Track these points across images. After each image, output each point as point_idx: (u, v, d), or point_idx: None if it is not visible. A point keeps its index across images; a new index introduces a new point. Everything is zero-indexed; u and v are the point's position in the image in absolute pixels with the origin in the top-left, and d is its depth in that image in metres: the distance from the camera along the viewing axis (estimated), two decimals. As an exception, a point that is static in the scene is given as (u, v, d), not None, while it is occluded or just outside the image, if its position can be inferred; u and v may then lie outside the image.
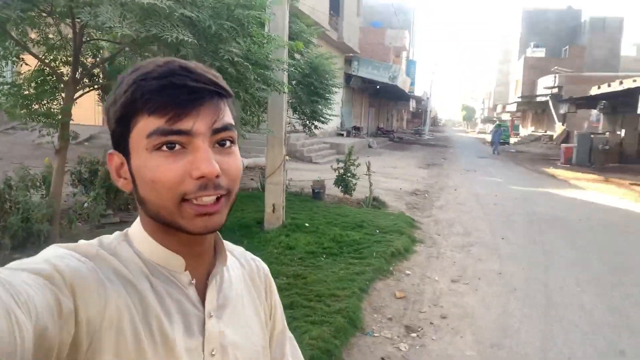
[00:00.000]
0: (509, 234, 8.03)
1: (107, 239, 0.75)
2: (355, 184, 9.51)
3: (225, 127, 0.71)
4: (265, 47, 4.53)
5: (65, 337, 0.59)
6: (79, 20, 4.78)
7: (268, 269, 0.97)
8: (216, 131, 0.70)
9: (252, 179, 11.72)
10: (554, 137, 34.05)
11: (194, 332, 0.74)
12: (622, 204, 11.83)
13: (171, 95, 0.67)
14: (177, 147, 0.68)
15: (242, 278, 0.88)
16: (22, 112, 5.61)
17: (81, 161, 6.90)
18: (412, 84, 40.45)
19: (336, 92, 10.46)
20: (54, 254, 0.66)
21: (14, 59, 5.40)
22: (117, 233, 0.77)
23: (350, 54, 26.08)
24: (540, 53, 46.25)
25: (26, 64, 5.51)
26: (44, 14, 5.04)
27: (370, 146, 25.07)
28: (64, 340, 0.58)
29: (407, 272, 5.77)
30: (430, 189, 12.76)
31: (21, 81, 5.49)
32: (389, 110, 47.41)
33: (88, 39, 5.46)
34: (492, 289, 5.42)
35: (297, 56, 7.96)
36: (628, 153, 22.03)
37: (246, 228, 6.82)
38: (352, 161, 9.35)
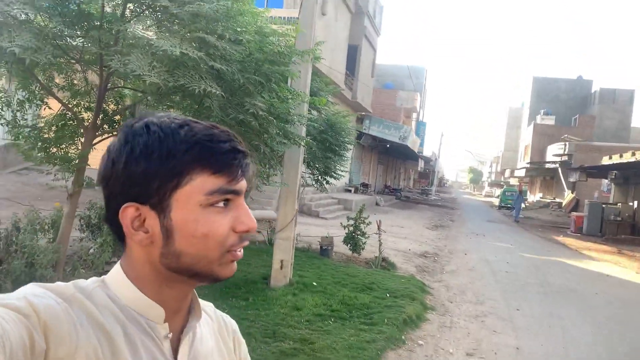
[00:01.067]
0: (524, 305, 7.75)
1: (83, 282, 0.74)
2: (365, 242, 9.34)
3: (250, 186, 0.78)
4: (289, 102, 4.53)
5: None
6: (105, 68, 4.84)
7: (236, 325, 0.97)
8: (248, 190, 0.77)
9: (258, 232, 11.58)
10: (563, 204, 33.86)
11: None
12: (639, 278, 11.50)
13: (236, 159, 0.72)
14: (225, 204, 0.73)
15: (213, 334, 0.88)
16: (39, 154, 5.60)
17: (92, 206, 6.82)
18: (421, 144, 40.85)
19: (350, 149, 10.49)
20: (32, 292, 0.66)
21: (38, 102, 5.44)
22: (93, 278, 0.76)
23: (363, 113, 26.49)
24: (550, 120, 46.86)
25: (49, 108, 5.55)
26: (73, 61, 5.12)
27: (377, 204, 24.97)
28: None
29: (420, 342, 5.51)
30: (439, 251, 12.53)
31: (42, 124, 5.50)
32: (397, 169, 47.64)
33: (112, 86, 5.50)
34: (509, 366, 5.15)
35: (315, 113, 8.01)
36: (640, 225, 21.74)
37: (252, 284, 6.61)
38: (362, 219, 9.22)
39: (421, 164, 49.86)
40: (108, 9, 4.63)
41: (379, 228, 9.37)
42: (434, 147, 60.48)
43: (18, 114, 5.62)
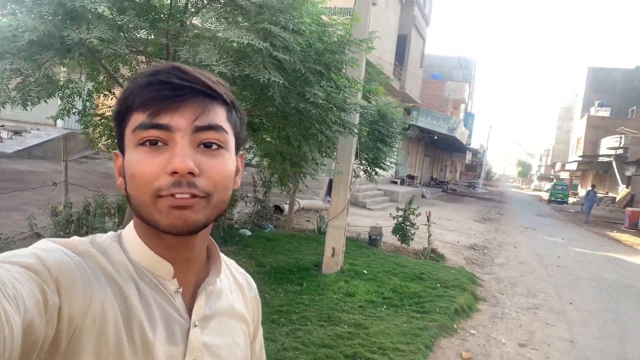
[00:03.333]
0: (577, 298, 7.60)
1: (99, 237, 0.74)
2: (414, 233, 9.35)
3: (210, 127, 0.70)
4: (345, 91, 4.62)
5: (49, 332, 0.58)
6: (169, 59, 5.05)
7: (256, 288, 0.96)
8: (199, 129, 0.69)
9: (308, 221, 11.77)
10: (617, 199, 32.55)
11: (176, 340, 0.72)
12: (699, 276, 11.00)
13: (154, 89, 0.67)
14: (160, 144, 0.68)
15: (234, 290, 0.87)
16: (107, 142, 5.92)
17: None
18: (469, 136, 40.07)
19: (400, 140, 10.48)
20: (44, 247, 0.65)
21: (106, 92, 5.74)
22: (110, 233, 0.76)
23: (411, 104, 26.24)
24: (605, 112, 44.96)
25: (116, 98, 5.84)
26: (137, 52, 5.36)
27: (424, 196, 24.76)
28: (47, 334, 0.58)
29: (472, 331, 5.52)
30: (488, 244, 12.36)
31: (110, 113, 5.81)
32: (443, 161, 46.96)
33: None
34: (564, 358, 5.10)
35: (365, 102, 8.06)
36: (700, 222, 20.69)
37: (304, 270, 6.77)
38: (412, 210, 9.22)
39: (469, 156, 48.96)
40: (169, 1, 4.85)
41: (428, 219, 9.36)
42: (482, 139, 59.32)
43: (87, 103, 5.96)
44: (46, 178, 9.93)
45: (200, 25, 4.46)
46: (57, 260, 0.63)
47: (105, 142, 6.01)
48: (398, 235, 9.37)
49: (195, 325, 0.75)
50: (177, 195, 0.67)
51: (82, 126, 6.10)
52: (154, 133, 0.67)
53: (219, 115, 0.72)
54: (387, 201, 18.79)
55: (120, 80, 5.79)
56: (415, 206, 9.47)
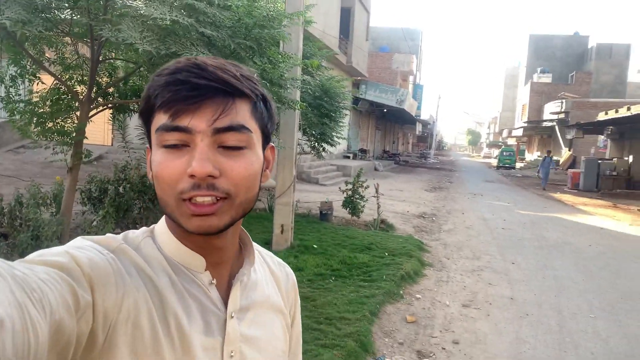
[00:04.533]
0: (519, 258, 7.95)
1: (132, 233, 0.75)
2: (364, 206, 9.49)
3: (231, 128, 0.68)
4: (280, 67, 4.57)
5: (84, 329, 0.58)
6: (96, 40, 4.86)
7: (295, 278, 0.96)
8: (219, 130, 0.67)
9: (259, 200, 11.73)
10: (561, 162, 34.02)
11: (213, 332, 0.73)
12: (632, 230, 11.72)
13: (172, 91, 0.66)
14: (183, 147, 0.67)
15: (269, 281, 0.87)
16: (35, 130, 5.66)
17: (92, 180, 6.91)
18: (419, 107, 40.70)
19: (346, 114, 10.52)
20: (75, 245, 0.66)
21: (31, 77, 5.47)
22: (143, 228, 0.77)
23: (359, 78, 26.31)
24: (547, 79, 46.58)
25: (42, 83, 5.57)
26: (62, 34, 5.12)
27: (376, 169, 25.09)
28: (82, 332, 0.58)
29: (418, 295, 5.70)
30: (437, 212, 12.71)
31: (36, 99, 5.54)
32: (395, 134, 47.60)
33: (104, 58, 5.52)
34: (504, 315, 5.34)
35: (308, 78, 8.03)
36: (636, 179, 21.93)
37: (254, 249, 6.77)
38: (360, 183, 9.34)
39: (419, 127, 49.79)
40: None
41: (377, 191, 9.50)
42: (432, 110, 60.31)
43: (11, 89, 5.66)
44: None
45: (123, 3, 4.29)
46: (89, 257, 0.63)
47: (35, 130, 5.75)
48: (348, 209, 9.48)
49: (232, 317, 0.75)
50: (198, 199, 0.66)
51: (8, 114, 5.80)
52: (174, 135, 0.67)
53: (240, 113, 0.69)
54: (339, 176, 18.94)
55: (46, 64, 5.54)
56: (365, 179, 9.59)
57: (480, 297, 5.85)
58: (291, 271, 0.96)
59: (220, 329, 0.74)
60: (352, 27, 23.51)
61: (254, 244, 0.85)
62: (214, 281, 0.76)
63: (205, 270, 0.75)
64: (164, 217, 0.76)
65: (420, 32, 49.84)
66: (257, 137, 0.72)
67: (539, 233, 10.37)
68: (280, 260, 0.95)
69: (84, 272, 0.60)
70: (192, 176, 0.65)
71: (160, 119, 0.67)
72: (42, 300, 0.52)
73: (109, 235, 0.72)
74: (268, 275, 0.87)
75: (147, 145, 0.75)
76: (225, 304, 0.76)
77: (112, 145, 15.56)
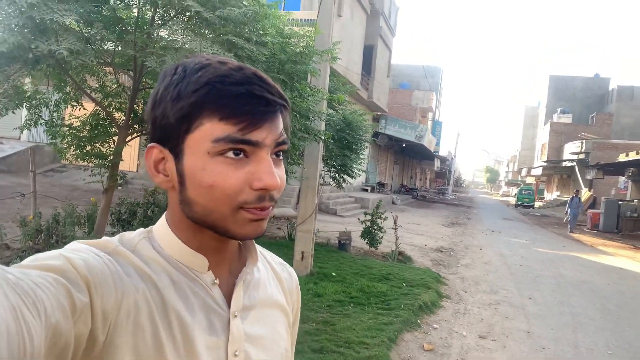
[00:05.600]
0: (536, 294, 7.96)
1: (128, 235, 0.74)
2: (382, 237, 9.62)
3: (285, 141, 0.71)
4: (309, 100, 4.84)
5: (83, 331, 0.58)
6: (130, 71, 5.21)
7: (297, 278, 0.96)
8: (278, 144, 0.70)
9: (279, 228, 11.92)
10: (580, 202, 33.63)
11: (217, 331, 0.72)
12: (653, 272, 11.59)
13: (249, 104, 0.66)
14: (241, 155, 0.67)
15: (272, 280, 0.86)
16: (74, 152, 5.99)
17: (122, 202, 7.21)
18: (438, 143, 40.93)
19: (367, 147, 10.77)
20: (71, 248, 0.65)
21: (74, 103, 5.83)
22: (140, 230, 0.76)
23: (379, 113, 26.73)
24: (567, 119, 46.58)
25: (84, 108, 5.93)
26: (104, 63, 5.49)
27: (394, 202, 25.18)
28: (81, 334, 0.58)
29: (435, 325, 5.78)
30: (455, 247, 12.74)
31: (78, 124, 5.89)
32: (413, 168, 47.74)
33: (142, 87, 5.87)
34: (520, 347, 5.39)
35: (332, 112, 8.33)
36: (658, 222, 21.63)
37: (275, 274, 6.93)
38: (379, 214, 9.50)
39: (437, 163, 49.91)
40: (136, 14, 5.01)
41: (395, 223, 9.64)
42: (450, 146, 60.44)
43: (55, 114, 6.03)
44: (10, 192, 9.86)
45: (167, 37, 4.63)
46: (85, 259, 0.62)
47: (74, 153, 6.08)
48: (366, 239, 9.61)
49: (235, 316, 0.75)
50: (262, 210, 0.68)
51: (50, 137, 6.16)
52: (242, 147, 0.67)
53: (286, 121, 0.73)
54: (357, 208, 19.08)
55: (88, 91, 5.91)
56: (384, 211, 9.75)
57: (497, 330, 5.90)
58: (293, 271, 0.96)
59: (224, 328, 0.73)
60: (374, 64, 24.06)
61: (256, 244, 0.85)
62: (217, 281, 0.75)
63: (208, 270, 0.74)
64: (162, 218, 0.76)
65: (441, 70, 50.53)
66: None
67: (556, 271, 10.34)
68: (281, 260, 0.94)
69: (80, 273, 0.59)
70: (261, 189, 0.67)
71: (221, 129, 0.66)
72: (36, 304, 0.51)
73: (105, 238, 0.71)
74: (271, 275, 0.87)
75: (152, 144, 0.72)
76: (228, 303, 0.75)
77: (137, 171, 16.00)
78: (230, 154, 0.66)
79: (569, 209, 20.86)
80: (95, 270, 0.61)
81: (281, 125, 0.70)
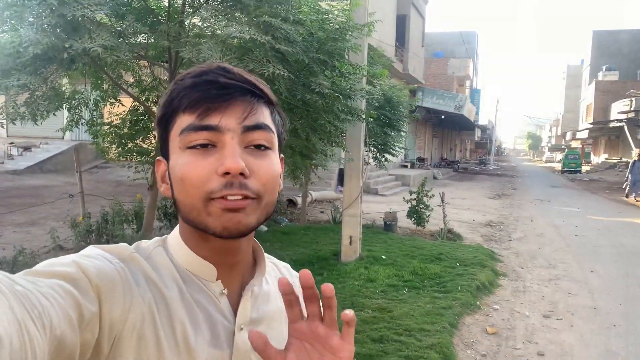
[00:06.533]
0: (598, 266, 7.57)
1: (145, 243, 0.74)
2: (429, 215, 9.35)
3: (259, 126, 0.68)
4: (350, 78, 4.61)
5: (89, 340, 0.58)
6: (169, 62, 5.08)
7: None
8: (248, 129, 0.67)
9: (322, 212, 11.80)
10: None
11: (221, 344, 0.71)
12: None
13: (201, 90, 0.66)
14: (210, 146, 0.66)
15: None
16: (116, 150, 5.97)
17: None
18: (477, 112, 39.80)
19: (408, 123, 10.44)
20: (85, 253, 0.65)
21: (112, 100, 5.78)
22: (156, 238, 0.76)
23: (415, 85, 26.09)
24: (613, 76, 44.32)
25: (122, 105, 5.88)
26: (138, 57, 5.39)
27: (435, 177, 24.69)
28: (87, 343, 0.58)
29: (495, 306, 5.53)
30: (504, 220, 12.32)
31: (117, 122, 5.84)
32: (452, 141, 46.71)
33: (178, 79, 5.76)
34: (588, 326, 5.09)
35: (370, 87, 8.04)
36: None
37: (323, 260, 6.81)
38: (425, 192, 9.21)
39: (478, 133, 48.65)
40: (166, 3, 4.86)
41: (442, 200, 9.35)
42: (490, 114, 58.87)
43: (95, 113, 6.01)
44: (60, 191, 10.06)
45: (200, 24, 4.47)
46: (97, 266, 0.62)
47: (116, 151, 6.06)
48: (413, 219, 9.37)
49: (242, 329, 0.73)
50: (230, 197, 0.65)
51: (92, 136, 6.16)
52: (202, 135, 0.66)
53: (265, 115, 0.71)
54: (399, 186, 18.77)
55: (125, 87, 5.84)
56: (428, 188, 9.46)
57: (561, 307, 5.60)
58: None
59: (229, 340, 0.72)
60: (408, 34, 23.38)
61: (269, 256, 0.84)
62: (225, 291, 0.74)
63: (217, 279, 0.73)
64: (176, 227, 0.76)
65: (476, 35, 48.90)
66: (276, 141, 0.73)
67: (616, 239, 9.84)
68: (292, 270, 0.91)
69: (92, 281, 0.60)
70: (225, 174, 0.65)
71: (185, 120, 0.67)
72: (42, 316, 0.51)
73: (121, 244, 0.71)
74: None
75: (159, 157, 0.74)
76: (236, 315, 0.74)
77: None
78: (198, 146, 0.66)
79: (629, 175, 18.41)
80: (107, 279, 0.62)
81: (250, 110, 0.68)
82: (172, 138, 0.69)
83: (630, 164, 19.28)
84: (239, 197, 0.66)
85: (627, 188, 18.45)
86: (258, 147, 0.69)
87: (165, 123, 0.70)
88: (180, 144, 0.67)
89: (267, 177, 0.69)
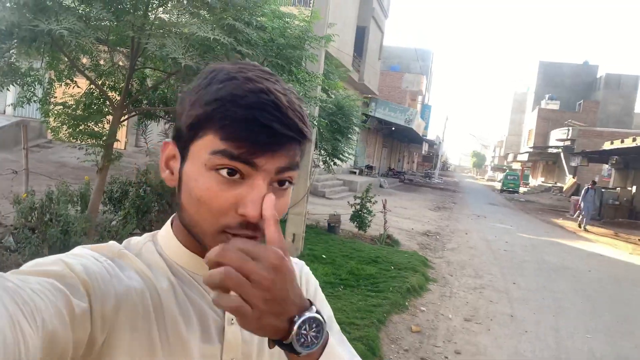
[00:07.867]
0: (520, 279, 8.18)
1: (135, 239, 0.75)
2: (371, 220, 9.76)
3: (290, 167, 0.66)
4: (305, 85, 4.89)
5: (82, 336, 0.58)
6: (131, 51, 5.19)
7: (309, 270, 0.94)
8: (280, 170, 0.65)
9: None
10: (564, 189, 34.21)
11: (212, 339, 0.71)
12: (631, 258, 11.94)
13: (252, 132, 0.61)
14: (237, 176, 0.63)
15: None
16: (67, 131, 5.98)
17: (114, 181, 7.22)
18: (426, 127, 41.10)
19: (358, 132, 10.83)
20: (73, 252, 0.65)
21: (68, 81, 5.80)
22: (146, 234, 0.77)
23: (369, 95, 26.72)
24: (555, 105, 46.99)
25: (78, 87, 5.90)
26: (98, 41, 5.46)
27: (381, 186, 25.35)
28: (80, 339, 0.58)
29: (422, 308, 5.95)
30: (441, 231, 12.95)
31: (71, 103, 5.86)
32: (401, 152, 47.94)
33: (137, 67, 5.85)
34: (503, 330, 5.58)
35: (324, 96, 8.35)
36: (638, 209, 22.13)
37: (265, 255, 7.03)
38: (368, 198, 9.62)
39: (425, 147, 50.14)
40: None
41: (384, 207, 9.77)
42: (439, 130, 60.70)
43: (49, 91, 5.99)
44: (0, 168, 9.78)
45: (165, 19, 4.62)
46: (84, 264, 0.62)
47: (67, 132, 6.06)
48: (355, 223, 9.75)
49: (232, 323, 0.72)
50: (241, 234, 0.64)
51: (43, 115, 6.13)
52: (235, 164, 0.63)
53: (298, 154, 0.67)
54: (346, 191, 19.21)
55: (82, 69, 5.87)
56: (373, 195, 9.88)
57: (482, 313, 6.09)
58: (305, 266, 0.95)
59: (219, 335, 0.72)
60: (366, 46, 23.95)
61: None
62: None
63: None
64: (168, 222, 0.76)
65: (432, 53, 50.50)
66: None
67: (539, 256, 10.60)
68: (296, 260, 0.91)
69: (80, 278, 0.60)
70: (242, 216, 0.63)
71: (222, 145, 0.63)
72: (34, 312, 0.51)
73: (110, 242, 0.72)
74: None
75: (167, 140, 0.72)
76: None
77: (125, 149, 15.91)
78: (224, 172, 0.63)
79: (582, 203, 17.76)
80: (95, 275, 0.62)
81: (290, 156, 0.65)
82: (198, 148, 0.65)
83: (582, 192, 18.51)
84: (250, 234, 0.64)
85: (580, 216, 17.80)
86: (282, 183, 0.67)
87: (194, 129, 0.66)
88: (207, 161, 0.64)
89: (281, 214, 0.68)
